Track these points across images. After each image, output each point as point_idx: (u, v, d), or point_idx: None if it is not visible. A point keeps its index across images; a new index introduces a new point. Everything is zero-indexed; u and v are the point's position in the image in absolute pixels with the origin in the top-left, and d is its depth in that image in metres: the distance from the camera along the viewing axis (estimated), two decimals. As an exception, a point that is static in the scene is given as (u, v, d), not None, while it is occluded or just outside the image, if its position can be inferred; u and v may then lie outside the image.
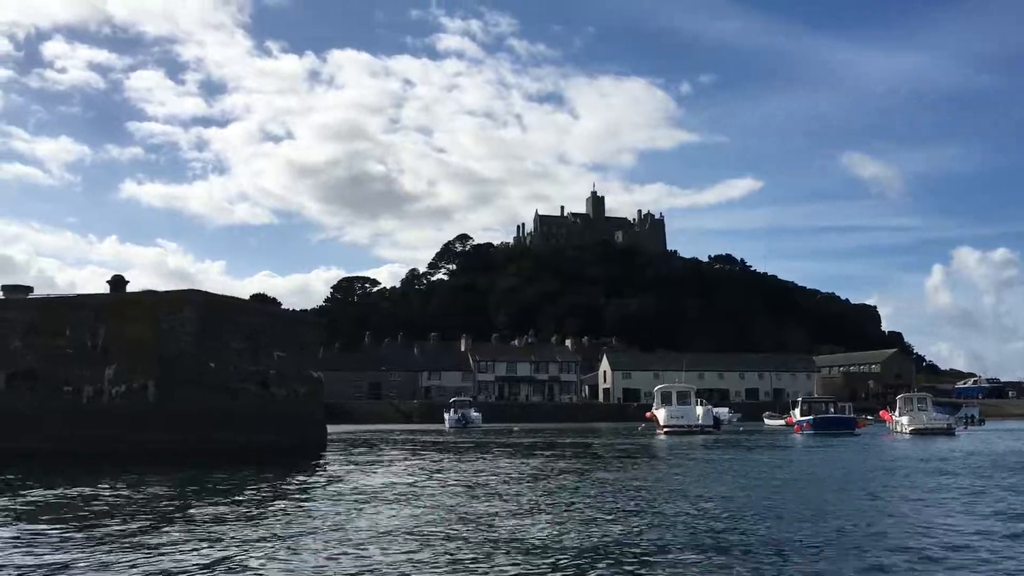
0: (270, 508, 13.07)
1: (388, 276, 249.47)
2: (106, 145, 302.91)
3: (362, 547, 9.77)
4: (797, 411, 51.20)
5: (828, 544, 10.15)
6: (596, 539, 10.45)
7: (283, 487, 16.14)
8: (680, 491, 16.18)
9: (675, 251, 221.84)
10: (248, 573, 8.42)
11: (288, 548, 9.70)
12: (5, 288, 23.92)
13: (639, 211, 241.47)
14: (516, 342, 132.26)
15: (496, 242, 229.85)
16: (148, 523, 11.38)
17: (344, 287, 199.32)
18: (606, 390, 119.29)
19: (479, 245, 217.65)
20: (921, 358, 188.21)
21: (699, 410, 47.11)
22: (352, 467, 21.01)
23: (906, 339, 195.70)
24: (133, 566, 8.56)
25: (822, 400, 56.62)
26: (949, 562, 9.17)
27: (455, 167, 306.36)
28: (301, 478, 18.02)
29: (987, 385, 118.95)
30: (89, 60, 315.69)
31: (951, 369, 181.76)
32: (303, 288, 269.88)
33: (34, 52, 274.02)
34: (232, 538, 10.27)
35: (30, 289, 24.04)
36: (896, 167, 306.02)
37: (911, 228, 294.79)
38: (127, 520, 11.55)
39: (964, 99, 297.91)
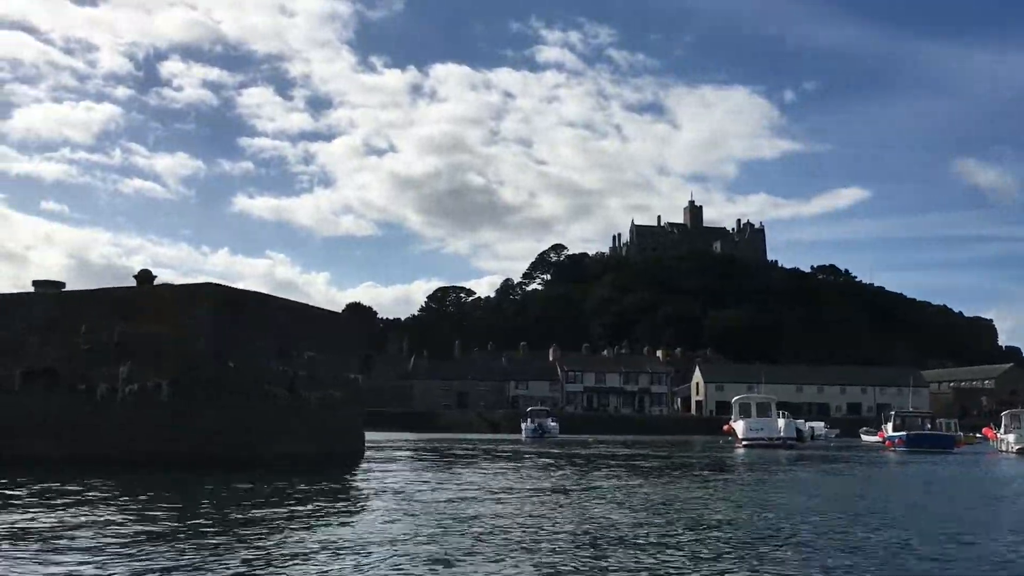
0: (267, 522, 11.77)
1: (487, 287, 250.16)
2: (219, 160, 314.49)
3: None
4: (889, 426, 47.45)
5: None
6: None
7: (289, 502, 14.80)
8: (678, 509, 14.17)
9: (775, 261, 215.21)
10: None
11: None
12: (36, 284, 23.65)
13: (738, 221, 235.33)
14: (606, 352, 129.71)
15: (595, 253, 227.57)
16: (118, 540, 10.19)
17: (439, 297, 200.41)
18: (699, 402, 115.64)
19: (574, 255, 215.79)
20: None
21: (780, 422, 44.18)
22: (368, 480, 19.66)
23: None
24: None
25: (917, 415, 52.26)
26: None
27: (555, 178, 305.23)
28: (304, 488, 16.70)
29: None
30: (203, 78, 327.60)
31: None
32: (405, 298, 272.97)
33: (152, 71, 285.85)
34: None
35: (62, 285, 23.66)
36: (1013, 174, 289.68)
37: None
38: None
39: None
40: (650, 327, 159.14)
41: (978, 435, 64.46)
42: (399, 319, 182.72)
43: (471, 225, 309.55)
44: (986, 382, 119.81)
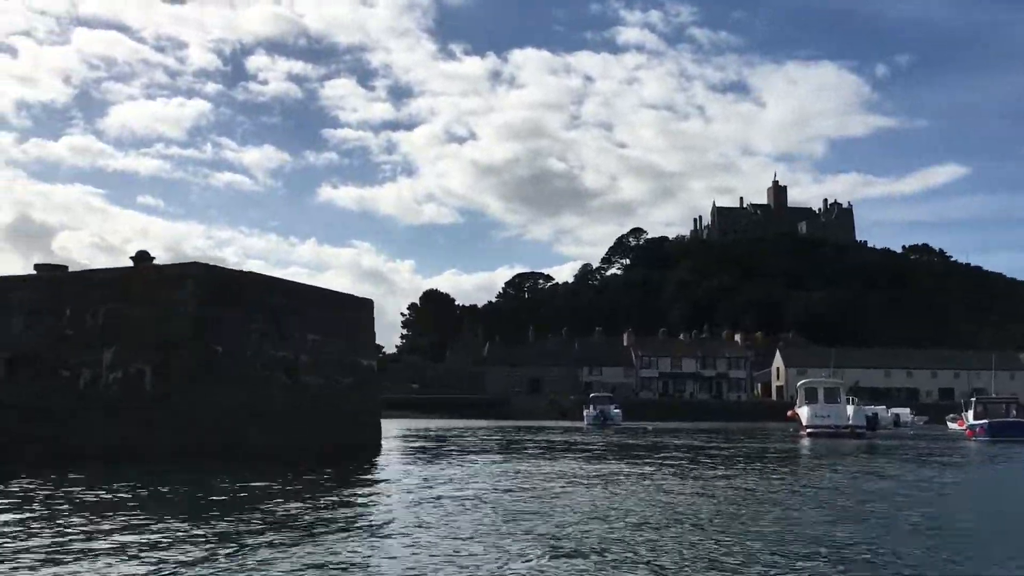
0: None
1: (568, 273, 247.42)
2: (304, 152, 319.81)
3: None
4: (970, 413, 42.96)
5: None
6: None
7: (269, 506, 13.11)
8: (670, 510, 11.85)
9: (864, 242, 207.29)
10: None
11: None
12: (38, 267, 22.64)
13: (825, 200, 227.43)
14: (682, 337, 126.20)
15: (675, 236, 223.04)
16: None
17: (516, 283, 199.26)
18: (779, 388, 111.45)
19: (653, 239, 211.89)
20: None
21: (849, 409, 40.73)
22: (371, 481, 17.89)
23: None
24: None
25: (1002, 400, 46.41)
26: None
27: (636, 161, 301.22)
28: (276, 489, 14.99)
29: None
30: (288, 71, 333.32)
31: None
32: (489, 285, 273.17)
33: (239, 66, 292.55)
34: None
35: (64, 269, 22.59)
36: None
37: None
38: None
39: None
40: (730, 311, 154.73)
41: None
42: (475, 306, 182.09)
43: (552, 211, 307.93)
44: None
